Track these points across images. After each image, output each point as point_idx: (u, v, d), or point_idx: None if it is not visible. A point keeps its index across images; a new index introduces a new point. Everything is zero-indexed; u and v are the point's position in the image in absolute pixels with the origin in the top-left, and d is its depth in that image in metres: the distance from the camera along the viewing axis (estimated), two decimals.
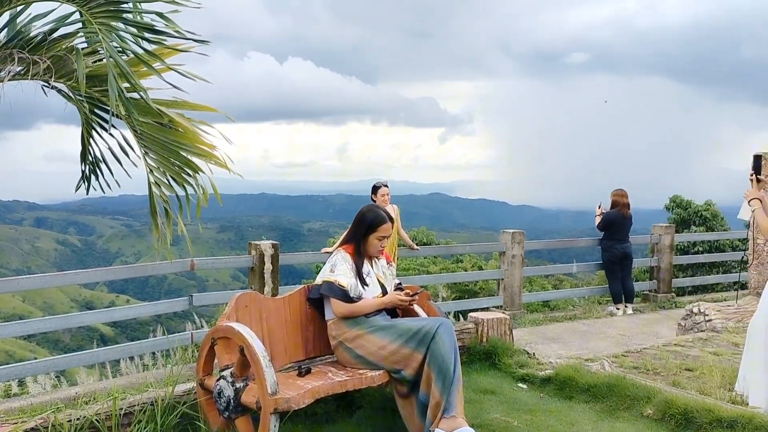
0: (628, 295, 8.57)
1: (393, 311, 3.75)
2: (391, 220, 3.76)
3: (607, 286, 8.89)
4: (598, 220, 8.58)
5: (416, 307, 3.83)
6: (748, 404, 3.96)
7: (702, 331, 6.27)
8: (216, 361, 3.46)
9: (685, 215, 16.43)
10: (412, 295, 3.66)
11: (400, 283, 3.93)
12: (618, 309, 8.45)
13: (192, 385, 3.61)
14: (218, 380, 3.31)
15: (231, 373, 3.26)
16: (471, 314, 5.01)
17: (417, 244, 8.68)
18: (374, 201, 7.23)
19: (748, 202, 4.10)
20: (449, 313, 8.21)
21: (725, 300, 8.26)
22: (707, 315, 6.34)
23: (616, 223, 8.41)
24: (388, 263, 3.88)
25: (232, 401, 3.22)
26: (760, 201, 4.04)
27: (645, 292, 9.45)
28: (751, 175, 4.17)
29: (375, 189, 7.28)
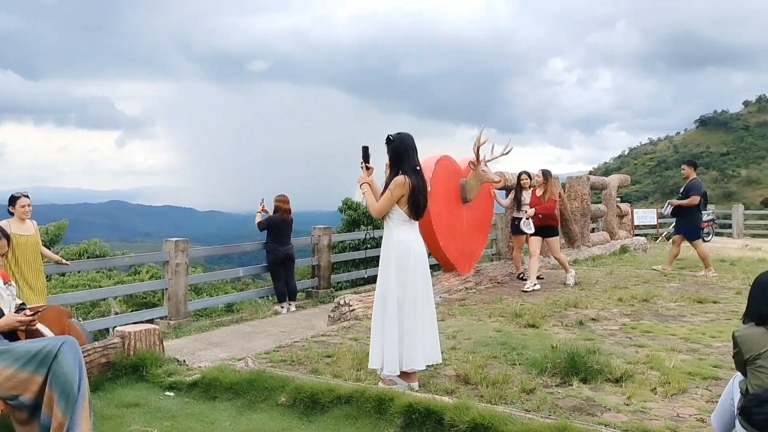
0: (291, 294, 9.17)
1: (13, 334, 3.47)
2: (7, 237, 3.48)
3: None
4: (258, 217, 9.00)
5: (42, 328, 3.60)
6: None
7: (348, 320, 7.03)
8: None
9: (356, 216, 18.09)
10: (32, 315, 3.43)
11: (23, 304, 3.64)
12: (282, 307, 8.99)
13: None
14: None
15: None
16: (117, 328, 4.88)
17: (87, 257, 8.05)
18: (12, 213, 6.53)
19: (360, 186, 4.67)
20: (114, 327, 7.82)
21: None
22: (351, 305, 7.13)
23: (278, 226, 8.94)
24: (6, 283, 3.57)
25: None
26: (369, 185, 4.68)
27: (308, 289, 10.22)
28: (362, 164, 4.67)
29: (13, 200, 6.57)
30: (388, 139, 4.54)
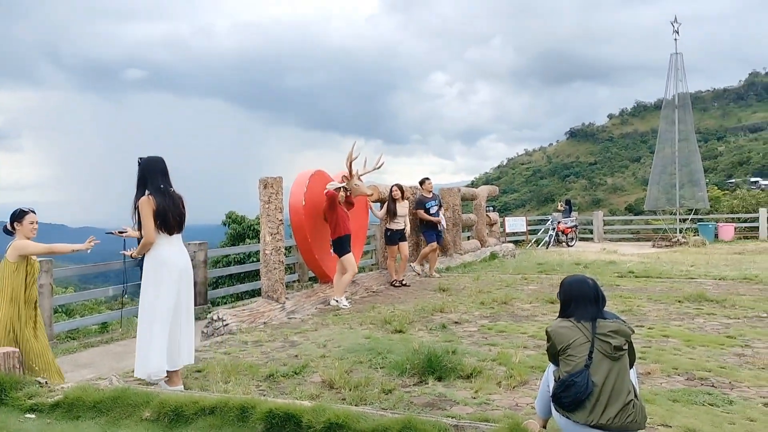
0: None
1: None
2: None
3: None
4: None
5: None
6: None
7: (221, 335, 7.09)
8: None
9: (240, 229, 17.87)
10: None
11: None
12: None
13: None
14: None
15: None
16: None
17: None
18: (12, 232, 5.38)
19: (135, 254, 5.48)
20: None
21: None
22: (225, 320, 7.20)
23: None
24: None
25: None
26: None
27: None
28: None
29: (21, 215, 5.35)
30: (138, 160, 4.98)
